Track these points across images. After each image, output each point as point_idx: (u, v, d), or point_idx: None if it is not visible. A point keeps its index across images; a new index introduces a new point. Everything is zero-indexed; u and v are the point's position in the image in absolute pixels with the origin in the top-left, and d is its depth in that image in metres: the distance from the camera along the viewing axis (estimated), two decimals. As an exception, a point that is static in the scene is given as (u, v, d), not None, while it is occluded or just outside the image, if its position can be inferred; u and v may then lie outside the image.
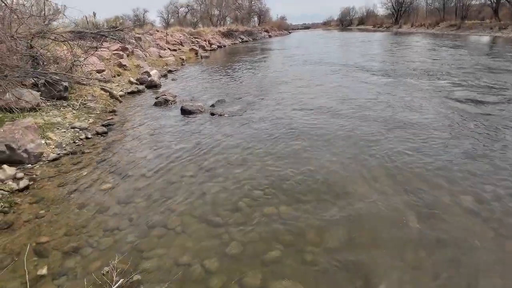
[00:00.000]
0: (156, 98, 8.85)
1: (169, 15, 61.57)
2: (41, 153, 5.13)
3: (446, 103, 7.48)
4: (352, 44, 30.78)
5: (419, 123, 6.12)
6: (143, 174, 4.44)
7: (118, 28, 17.95)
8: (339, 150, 4.91)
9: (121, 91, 10.01)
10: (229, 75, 13.60)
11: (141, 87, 10.60)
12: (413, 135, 5.42)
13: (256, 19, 74.47)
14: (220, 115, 7.11)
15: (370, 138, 5.34)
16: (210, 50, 29.49)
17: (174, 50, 22.89)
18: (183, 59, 20.21)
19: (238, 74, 13.84)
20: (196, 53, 24.31)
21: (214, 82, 11.98)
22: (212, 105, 7.91)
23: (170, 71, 15.03)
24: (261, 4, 73.31)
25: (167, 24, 51.23)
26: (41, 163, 4.95)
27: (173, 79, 12.95)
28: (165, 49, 21.44)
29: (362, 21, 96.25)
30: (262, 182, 4.04)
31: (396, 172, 4.17)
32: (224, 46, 35.61)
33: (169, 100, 8.49)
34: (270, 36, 60.59)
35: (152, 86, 11.10)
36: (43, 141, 5.56)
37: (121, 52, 14.22)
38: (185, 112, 7.44)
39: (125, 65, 13.10)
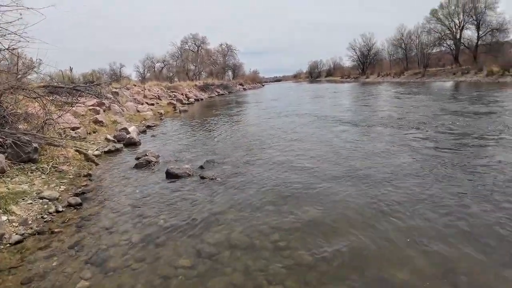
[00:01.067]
0: (137, 158, 8.09)
1: (145, 70, 62.20)
2: (2, 234, 4.26)
3: (417, 151, 7.58)
4: (323, 95, 31.52)
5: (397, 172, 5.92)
6: (128, 264, 3.59)
7: (95, 83, 17.41)
8: (350, 221, 4.29)
9: (97, 150, 9.21)
10: (211, 130, 13.10)
11: (119, 145, 9.83)
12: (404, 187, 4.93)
13: (230, 73, 76.45)
14: (212, 179, 6.34)
15: (373, 205, 4.77)
16: (188, 103, 29.31)
17: (152, 104, 22.47)
18: (161, 113, 19.73)
19: (220, 129, 13.35)
20: (174, 107, 23.97)
21: (197, 138, 11.38)
22: (201, 167, 7.16)
23: (149, 127, 14.41)
24: (234, 59, 75.81)
25: (143, 79, 51.32)
26: (2, 247, 4.07)
27: (153, 136, 12.27)
28: (142, 104, 20.96)
29: (330, 72, 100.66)
30: (279, 273, 3.28)
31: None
32: (201, 99, 35.69)
33: (152, 161, 7.72)
34: (245, 89, 61.79)
35: (131, 143, 10.35)
36: (4, 218, 4.69)
37: (97, 108, 13.57)
38: (171, 176, 6.62)
39: (101, 121, 12.41)
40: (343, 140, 9.26)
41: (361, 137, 9.66)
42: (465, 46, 47.75)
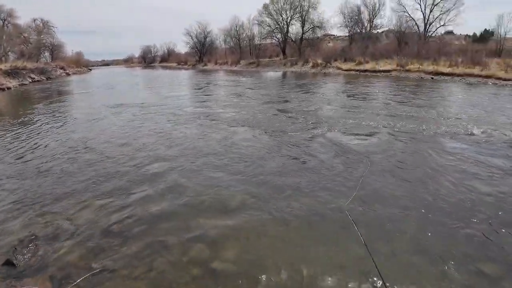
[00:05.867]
0: None
1: None
2: None
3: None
4: (163, 84, 29.64)
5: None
6: None
7: None
8: None
9: None
10: (27, 146, 8.91)
11: None
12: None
13: (47, 54, 64.56)
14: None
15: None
16: (-12, 95, 22.34)
17: None
18: None
19: (48, 139, 9.44)
20: (-35, 102, 17.60)
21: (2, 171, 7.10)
22: (8, 262, 3.57)
23: None
24: (53, 38, 64.15)
25: None
26: None
27: None
28: None
29: (164, 58, 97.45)
30: None
31: None
32: (9, 88, 27.92)
33: None
34: (68, 74, 52.98)
35: None
36: None
37: None
38: None
39: None
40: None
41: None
42: (291, 40, 52.11)
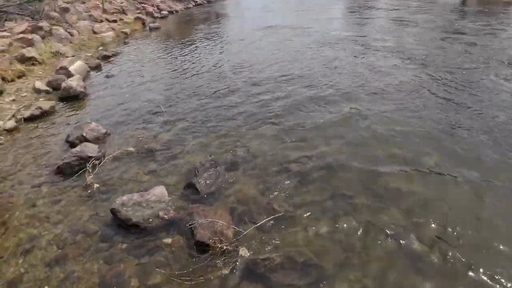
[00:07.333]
0: (68, 142, 4.60)
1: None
2: None
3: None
4: (315, 4, 27.16)
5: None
6: None
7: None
8: None
9: (13, 116, 5.84)
10: (200, 62, 9.37)
11: (48, 104, 6.05)
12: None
13: (207, -23, 67.38)
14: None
15: None
16: (160, 17, 24.31)
17: (115, 21, 17.80)
18: (126, 33, 15.54)
19: (216, 59, 9.65)
20: (143, 23, 19.51)
21: (179, 80, 7.71)
22: (190, 185, 3.51)
23: (106, 57, 10.47)
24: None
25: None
26: None
27: (108, 76, 8.33)
28: (101, 21, 16.58)
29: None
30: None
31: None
32: (176, 11, 30.14)
33: (91, 156, 4.02)
34: (225, -4, 54.78)
35: (71, 96, 6.67)
36: None
37: (29, 36, 9.69)
38: (123, 224, 3.07)
39: (32, 57, 8.69)
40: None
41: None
42: None
